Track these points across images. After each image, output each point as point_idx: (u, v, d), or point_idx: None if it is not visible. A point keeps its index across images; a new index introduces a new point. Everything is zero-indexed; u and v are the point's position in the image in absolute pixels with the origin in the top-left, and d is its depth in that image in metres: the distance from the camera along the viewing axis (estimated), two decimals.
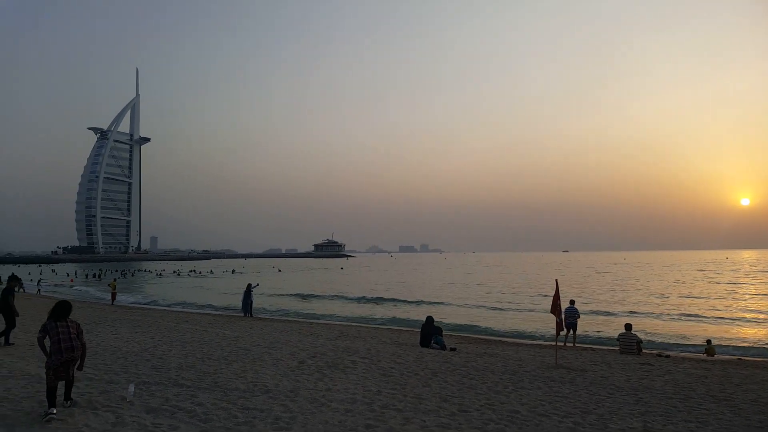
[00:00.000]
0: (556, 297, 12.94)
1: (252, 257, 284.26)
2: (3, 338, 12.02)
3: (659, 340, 19.96)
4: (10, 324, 12.30)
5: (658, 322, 25.27)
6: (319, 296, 40.99)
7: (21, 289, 16.43)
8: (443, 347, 14.55)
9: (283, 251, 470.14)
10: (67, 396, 6.79)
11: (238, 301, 27.61)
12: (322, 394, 7.76)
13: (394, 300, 36.33)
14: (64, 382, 6.74)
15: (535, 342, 19.83)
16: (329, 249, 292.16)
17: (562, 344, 16.76)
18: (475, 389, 8.89)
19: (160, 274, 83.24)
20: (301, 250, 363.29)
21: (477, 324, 24.54)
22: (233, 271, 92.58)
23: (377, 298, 38.17)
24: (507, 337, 21.24)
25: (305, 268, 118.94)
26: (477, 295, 40.71)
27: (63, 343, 6.64)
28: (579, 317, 18.89)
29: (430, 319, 15.65)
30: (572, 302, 19.11)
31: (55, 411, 6.51)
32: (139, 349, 11.89)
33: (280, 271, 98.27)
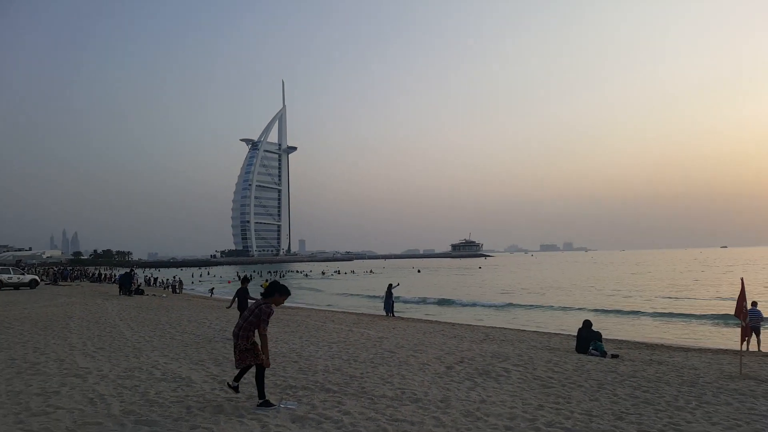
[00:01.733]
0: (742, 298, 11.05)
1: (391, 258, 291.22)
2: None
3: None
4: None
5: None
6: (458, 296, 40.14)
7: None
8: (603, 354, 12.97)
9: (421, 252, 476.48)
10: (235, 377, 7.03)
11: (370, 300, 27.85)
12: (477, 407, 6.92)
13: (532, 305, 33.86)
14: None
15: (704, 346, 17.37)
16: (466, 249, 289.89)
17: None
18: (652, 404, 7.50)
19: (307, 275, 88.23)
20: (439, 250, 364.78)
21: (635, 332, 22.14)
22: (371, 272, 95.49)
23: (516, 301, 36.30)
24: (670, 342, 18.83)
25: (443, 268, 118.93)
26: (632, 300, 37.14)
27: (234, 326, 6.70)
28: (763, 321, 16.63)
29: (587, 322, 14.10)
30: (755, 304, 16.74)
31: (259, 401, 6.72)
32: (287, 350, 11.95)
33: (419, 271, 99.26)
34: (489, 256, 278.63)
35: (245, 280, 15.54)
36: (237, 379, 7.00)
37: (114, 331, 15.02)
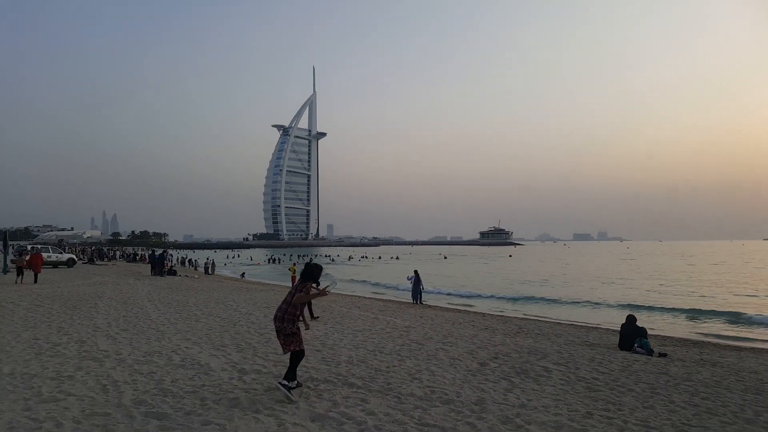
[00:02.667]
0: None
1: (418, 244, 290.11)
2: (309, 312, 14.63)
3: None
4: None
5: None
6: (489, 285, 39.22)
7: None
8: (650, 352, 12.05)
9: (449, 239, 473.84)
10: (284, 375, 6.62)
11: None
12: (516, 412, 6.21)
13: (558, 299, 31.71)
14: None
15: (756, 346, 16.18)
16: (495, 237, 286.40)
17: None
18: (716, 415, 6.63)
19: (333, 260, 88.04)
20: (467, 237, 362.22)
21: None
22: (396, 258, 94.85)
23: (546, 293, 35.02)
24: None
25: (471, 255, 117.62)
26: (675, 296, 35.62)
27: (276, 310, 6.46)
28: None
29: (631, 318, 13.16)
30: None
31: (280, 383, 6.39)
32: (311, 336, 11.41)
33: (445, 258, 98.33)
34: (519, 244, 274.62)
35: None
36: (285, 373, 6.67)
37: (141, 312, 14.85)
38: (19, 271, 24.57)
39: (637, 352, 12.14)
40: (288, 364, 6.51)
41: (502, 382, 7.79)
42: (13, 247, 38.89)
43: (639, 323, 13.43)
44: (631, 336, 12.68)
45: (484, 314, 21.29)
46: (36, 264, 24.61)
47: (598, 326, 19.19)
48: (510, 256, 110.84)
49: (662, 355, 12.01)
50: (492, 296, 31.55)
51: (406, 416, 5.83)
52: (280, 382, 6.36)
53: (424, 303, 24.38)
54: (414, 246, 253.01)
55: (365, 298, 27.23)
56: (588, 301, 28.87)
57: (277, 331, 6.32)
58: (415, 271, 25.27)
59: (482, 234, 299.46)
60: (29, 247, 35.99)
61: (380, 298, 28.29)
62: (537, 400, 6.81)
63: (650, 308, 25.60)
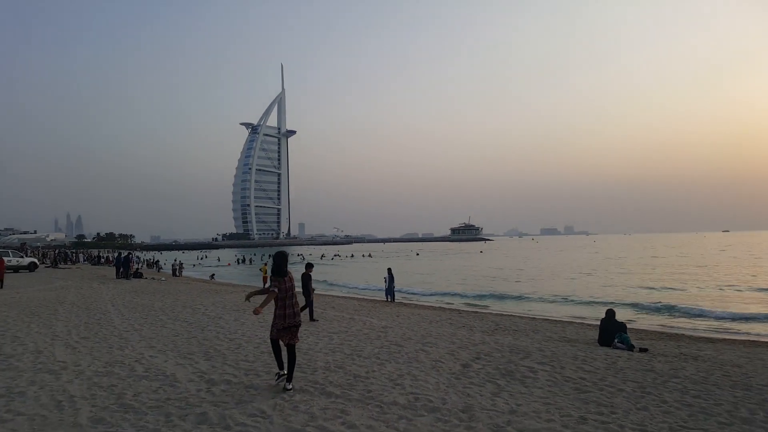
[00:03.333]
0: None
1: (390, 241, 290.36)
2: (308, 315, 14.57)
3: None
4: (309, 302, 14.80)
5: None
6: (462, 281, 39.11)
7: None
8: (631, 348, 11.90)
9: (420, 235, 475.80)
10: (289, 378, 6.82)
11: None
12: (506, 419, 5.81)
13: (543, 296, 31.85)
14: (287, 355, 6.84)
15: (728, 337, 16.28)
16: (466, 233, 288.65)
17: None
18: (712, 415, 6.33)
19: (304, 258, 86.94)
20: (438, 234, 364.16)
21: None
22: (369, 255, 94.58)
23: (522, 290, 35.10)
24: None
25: (441, 251, 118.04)
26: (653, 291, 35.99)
27: (287, 308, 6.48)
28: None
29: (611, 312, 13.00)
30: None
31: (283, 372, 6.89)
32: None
33: (417, 254, 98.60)
34: (488, 239, 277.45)
35: (309, 266, 15.30)
36: (290, 375, 6.92)
37: (103, 318, 14.08)
38: None
39: (617, 348, 11.96)
40: (288, 364, 6.85)
41: (488, 385, 7.41)
42: None
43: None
44: (611, 331, 12.52)
45: (459, 311, 21.02)
46: None
47: (573, 321, 19.15)
48: (481, 251, 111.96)
49: (643, 350, 11.87)
50: (465, 293, 31.27)
51: (390, 428, 5.39)
52: (287, 388, 6.73)
53: (397, 301, 24.08)
54: (386, 243, 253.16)
55: (339, 297, 26.71)
56: (559, 296, 28.88)
57: (296, 326, 6.62)
58: (389, 270, 24.93)
59: (453, 230, 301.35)
60: None
61: (355, 297, 27.81)
62: (526, 405, 6.45)
63: (614, 303, 25.15)
